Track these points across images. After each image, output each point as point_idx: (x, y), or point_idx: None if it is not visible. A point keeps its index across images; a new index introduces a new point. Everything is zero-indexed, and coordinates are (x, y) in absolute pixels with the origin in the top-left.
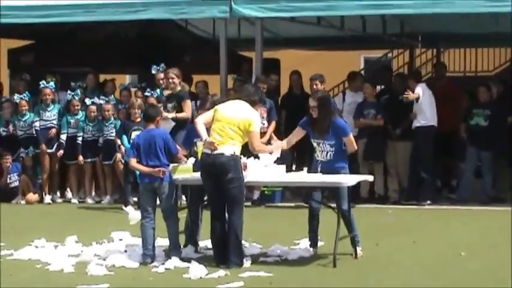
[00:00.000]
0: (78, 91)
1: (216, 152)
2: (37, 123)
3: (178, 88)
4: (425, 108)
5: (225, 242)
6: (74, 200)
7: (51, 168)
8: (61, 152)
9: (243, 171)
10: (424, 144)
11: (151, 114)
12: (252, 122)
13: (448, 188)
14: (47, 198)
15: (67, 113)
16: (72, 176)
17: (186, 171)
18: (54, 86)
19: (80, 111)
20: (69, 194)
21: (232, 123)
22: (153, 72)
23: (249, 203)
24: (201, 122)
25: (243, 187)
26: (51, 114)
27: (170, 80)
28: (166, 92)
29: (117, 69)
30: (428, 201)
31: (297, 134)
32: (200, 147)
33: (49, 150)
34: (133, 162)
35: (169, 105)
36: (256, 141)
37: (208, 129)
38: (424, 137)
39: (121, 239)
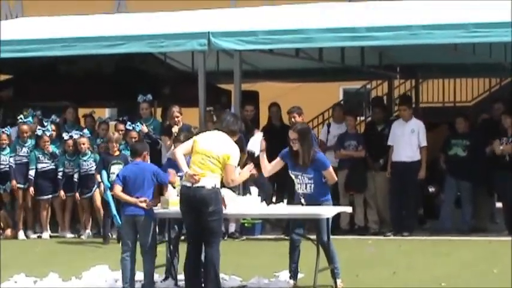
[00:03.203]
0: (49, 127)
1: (196, 184)
2: (12, 159)
3: (181, 123)
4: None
5: (198, 274)
6: (46, 235)
7: (25, 204)
8: (31, 188)
9: (224, 204)
10: (412, 178)
11: (138, 150)
12: (230, 156)
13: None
14: (21, 235)
15: (36, 148)
16: (43, 211)
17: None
18: (31, 120)
19: (52, 145)
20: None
21: (212, 155)
22: (139, 101)
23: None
24: (180, 153)
25: (221, 220)
26: (27, 150)
27: (176, 119)
28: (174, 129)
29: (96, 103)
30: (406, 233)
31: (276, 164)
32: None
33: (20, 186)
34: (118, 190)
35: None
36: (231, 174)
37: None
38: (413, 170)
39: (99, 274)
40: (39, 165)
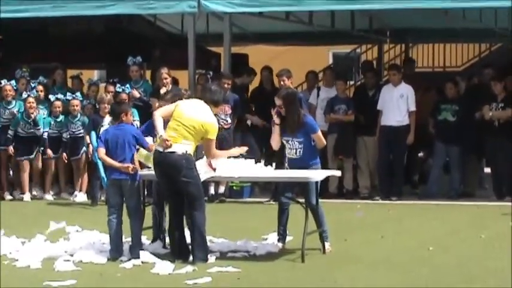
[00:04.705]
0: (35, 89)
1: (168, 150)
2: None
3: (170, 85)
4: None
5: (183, 239)
6: (27, 197)
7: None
8: (10, 148)
9: (212, 167)
10: (400, 143)
11: (115, 110)
12: (211, 130)
13: (411, 183)
14: (7, 195)
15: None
16: (23, 173)
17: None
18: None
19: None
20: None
21: (189, 123)
22: (129, 63)
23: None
24: (159, 115)
25: (199, 184)
26: (10, 112)
27: (164, 81)
28: (162, 90)
29: (85, 65)
30: (394, 197)
31: (277, 133)
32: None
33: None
34: (101, 153)
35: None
36: (212, 150)
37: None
38: (401, 135)
39: (87, 236)
40: (19, 130)
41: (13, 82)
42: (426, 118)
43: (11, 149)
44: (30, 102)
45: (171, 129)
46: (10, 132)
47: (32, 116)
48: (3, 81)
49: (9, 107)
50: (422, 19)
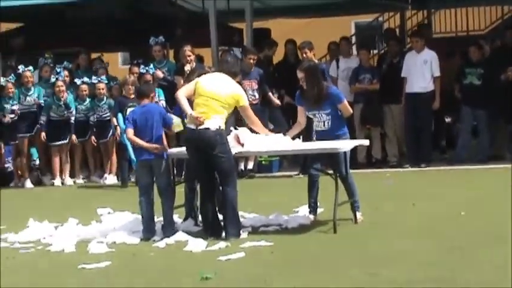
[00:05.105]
0: (62, 73)
1: (201, 127)
2: (16, 107)
3: (194, 63)
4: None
5: (215, 215)
6: (57, 182)
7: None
8: (43, 134)
9: (239, 143)
10: (426, 109)
11: (144, 91)
12: (240, 97)
13: (439, 149)
14: (28, 183)
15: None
16: (55, 158)
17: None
18: (51, 62)
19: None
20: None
21: (216, 97)
22: (152, 43)
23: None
24: (182, 95)
25: (231, 159)
26: (31, 99)
27: (188, 58)
28: (187, 68)
29: (108, 48)
30: (423, 164)
31: (301, 114)
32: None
33: (24, 135)
34: (130, 133)
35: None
36: (251, 114)
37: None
38: (427, 101)
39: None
40: (52, 114)
41: (31, 68)
42: (451, 83)
43: (43, 135)
44: (59, 86)
45: (199, 105)
46: (43, 118)
47: (63, 99)
48: (21, 68)
49: (28, 93)
50: None
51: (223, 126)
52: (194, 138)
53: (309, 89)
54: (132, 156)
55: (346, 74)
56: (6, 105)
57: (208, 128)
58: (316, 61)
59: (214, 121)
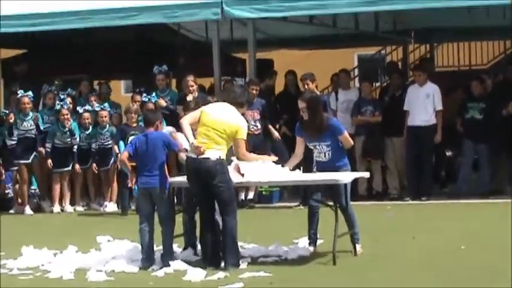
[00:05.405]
0: (66, 100)
1: (201, 156)
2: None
3: (197, 93)
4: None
5: (215, 245)
6: (56, 209)
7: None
8: (49, 161)
9: (240, 173)
10: (428, 142)
11: (151, 119)
12: (240, 129)
13: (439, 182)
14: (27, 210)
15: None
16: (56, 185)
17: None
18: (55, 89)
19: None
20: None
21: (219, 127)
22: (155, 72)
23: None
24: (187, 123)
25: (231, 189)
26: (28, 124)
27: (190, 88)
28: (189, 98)
29: (111, 75)
30: (424, 197)
31: (299, 145)
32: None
33: (23, 162)
34: (124, 156)
35: (192, 105)
36: (242, 149)
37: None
38: (429, 135)
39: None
40: (56, 141)
41: (30, 93)
42: (453, 117)
43: (49, 162)
44: (64, 114)
45: (201, 135)
46: (48, 145)
47: (67, 126)
48: (20, 92)
49: (26, 119)
50: (446, 18)
51: (223, 156)
52: (195, 167)
53: (309, 120)
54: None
55: (345, 106)
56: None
57: (208, 158)
58: (318, 93)
59: (215, 151)
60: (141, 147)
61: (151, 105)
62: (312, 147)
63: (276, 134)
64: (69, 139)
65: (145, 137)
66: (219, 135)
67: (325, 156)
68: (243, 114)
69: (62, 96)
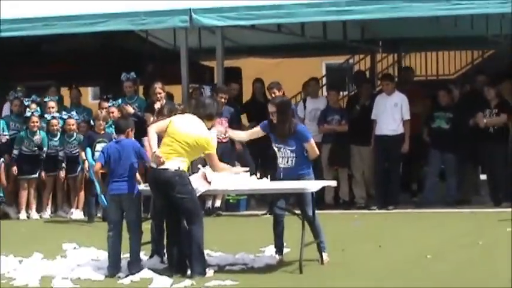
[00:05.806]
0: (37, 108)
1: (160, 166)
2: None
3: (164, 100)
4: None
5: (181, 253)
6: (23, 216)
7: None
8: (14, 168)
9: (207, 181)
10: (395, 152)
11: (123, 127)
12: (209, 143)
13: (410, 192)
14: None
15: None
16: (23, 192)
17: None
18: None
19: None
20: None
21: (181, 139)
22: (123, 79)
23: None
24: (153, 132)
25: (194, 199)
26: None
27: (158, 95)
28: (157, 105)
29: (79, 82)
30: (391, 206)
31: (254, 132)
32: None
33: None
34: (97, 167)
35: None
36: (215, 162)
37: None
38: (396, 144)
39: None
40: (23, 148)
41: (20, 94)
42: (421, 126)
43: (14, 168)
44: (34, 122)
45: (164, 145)
46: (15, 151)
47: (36, 138)
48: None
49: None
50: (414, 28)
51: (183, 168)
52: (154, 177)
53: (278, 124)
54: (99, 191)
55: (313, 114)
56: None
57: (167, 169)
58: None
59: (175, 162)
60: (113, 155)
61: (113, 109)
62: (276, 149)
63: (239, 145)
64: (36, 149)
65: (117, 144)
66: (181, 147)
67: (288, 161)
68: (212, 126)
69: (26, 103)
